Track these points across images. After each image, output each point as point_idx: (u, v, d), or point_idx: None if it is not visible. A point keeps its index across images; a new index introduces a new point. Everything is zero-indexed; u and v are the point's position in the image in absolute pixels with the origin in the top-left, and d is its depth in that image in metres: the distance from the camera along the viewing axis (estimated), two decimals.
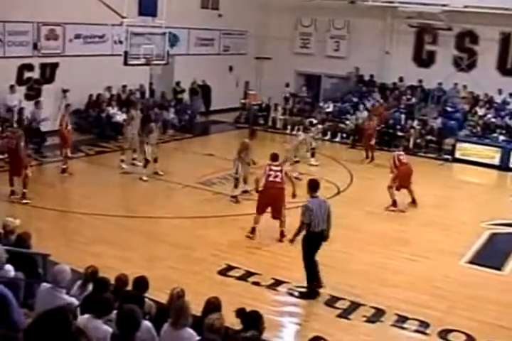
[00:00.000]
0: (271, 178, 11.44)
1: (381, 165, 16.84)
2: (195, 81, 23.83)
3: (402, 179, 13.80)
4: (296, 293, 9.31)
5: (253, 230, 11.47)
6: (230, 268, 9.99)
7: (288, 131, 22.68)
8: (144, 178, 14.97)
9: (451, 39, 22.64)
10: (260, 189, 11.58)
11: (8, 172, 13.08)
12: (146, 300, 6.38)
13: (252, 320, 5.67)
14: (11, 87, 17.56)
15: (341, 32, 25.14)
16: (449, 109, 21.81)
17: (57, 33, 18.76)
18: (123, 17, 15.61)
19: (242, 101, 24.74)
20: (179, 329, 5.41)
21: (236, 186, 13.80)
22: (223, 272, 9.85)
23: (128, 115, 17.08)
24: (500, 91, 21.52)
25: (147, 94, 22.23)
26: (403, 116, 21.71)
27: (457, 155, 19.54)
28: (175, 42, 21.86)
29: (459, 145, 19.64)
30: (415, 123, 21.15)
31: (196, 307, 5.97)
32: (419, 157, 19.82)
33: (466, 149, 19.48)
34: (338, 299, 9.12)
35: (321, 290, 9.29)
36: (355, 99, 23.33)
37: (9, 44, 17.49)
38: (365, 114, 21.05)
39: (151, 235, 11.45)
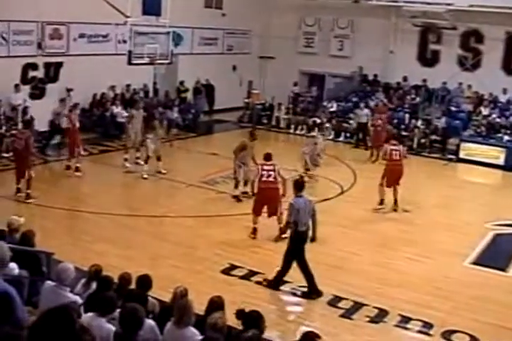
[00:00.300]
0: (264, 178, 11.47)
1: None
2: (199, 80, 23.83)
3: (388, 177, 13.53)
4: (299, 293, 9.30)
5: (254, 231, 11.48)
6: (234, 267, 9.99)
7: (291, 131, 22.72)
8: (145, 176, 14.98)
9: (455, 38, 22.59)
10: (255, 191, 11.69)
11: (14, 171, 13.08)
12: (150, 298, 6.38)
13: (253, 320, 5.67)
14: (16, 86, 17.58)
15: (345, 31, 25.12)
16: (453, 108, 21.78)
17: (61, 33, 18.78)
18: (127, 16, 15.60)
19: (246, 100, 24.76)
20: (182, 328, 5.41)
21: (236, 186, 13.78)
22: (226, 271, 9.86)
23: (128, 114, 17.10)
24: (504, 91, 21.48)
25: (151, 94, 22.25)
26: (407, 116, 21.69)
27: (461, 155, 19.51)
28: (179, 42, 21.87)
29: (463, 145, 19.61)
30: (419, 122, 21.12)
31: (199, 306, 5.97)
32: (423, 157, 19.86)
33: (470, 149, 19.45)
34: (341, 299, 9.11)
35: (324, 290, 9.28)
36: (354, 99, 23.35)
37: (14, 43, 17.52)
38: (365, 111, 21.00)
39: (154, 234, 11.45)
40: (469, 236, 12.21)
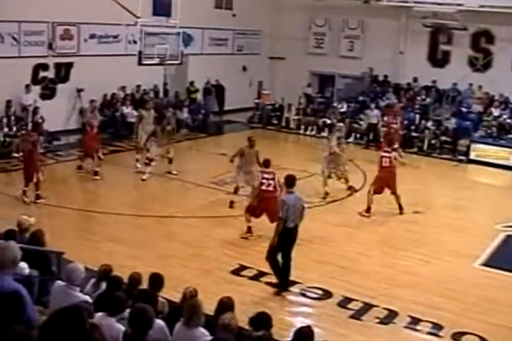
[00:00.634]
0: (264, 187, 11.41)
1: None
2: (209, 81, 23.86)
3: (377, 184, 13.23)
4: (309, 294, 9.28)
5: (249, 229, 11.49)
6: (243, 268, 9.99)
7: (302, 132, 22.71)
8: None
9: (466, 39, 22.50)
10: (252, 202, 11.68)
11: (22, 173, 13.04)
12: (160, 298, 6.39)
13: (262, 321, 5.67)
14: (27, 86, 17.69)
15: (355, 32, 25.08)
16: (463, 109, 21.69)
17: (72, 33, 18.86)
18: (137, 17, 15.64)
19: (256, 101, 24.77)
20: (192, 329, 5.42)
21: (235, 192, 13.59)
22: (236, 272, 9.86)
23: (138, 114, 17.14)
24: None
25: (161, 94, 22.29)
26: (417, 117, 21.63)
27: (472, 156, 19.42)
28: (189, 42, 21.89)
29: (473, 146, 19.52)
30: (429, 123, 21.04)
31: (209, 307, 5.97)
32: (433, 158, 19.80)
33: (481, 150, 19.36)
34: (351, 300, 9.09)
35: (334, 291, 9.27)
36: (362, 98, 23.37)
37: (25, 44, 17.62)
38: (376, 112, 20.93)
39: (163, 234, 11.48)
40: (479, 238, 12.15)
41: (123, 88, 20.48)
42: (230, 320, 5.34)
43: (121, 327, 5.20)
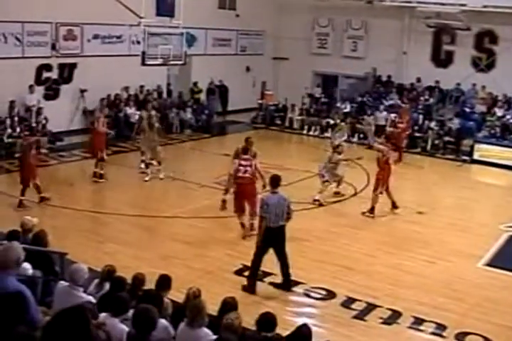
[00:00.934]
0: (240, 174, 11.41)
1: (398, 166, 16.84)
2: (213, 81, 23.88)
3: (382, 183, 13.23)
4: (313, 294, 9.27)
5: (243, 225, 11.52)
6: (246, 268, 9.96)
7: (305, 132, 22.70)
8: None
9: (469, 39, 22.44)
10: (233, 189, 11.60)
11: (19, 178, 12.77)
12: (164, 299, 6.39)
13: (268, 322, 5.68)
14: (30, 87, 17.72)
15: (359, 32, 25.05)
16: (467, 109, 21.65)
17: (75, 34, 18.90)
18: (141, 17, 15.66)
19: (259, 101, 24.78)
20: (195, 329, 5.42)
21: (225, 193, 13.04)
22: (239, 272, 9.85)
23: (139, 115, 17.12)
24: None
25: (165, 95, 22.31)
26: (421, 117, 21.60)
27: (475, 156, 19.39)
28: (192, 43, 21.93)
29: (477, 146, 19.49)
30: (433, 124, 21.01)
31: (212, 307, 5.97)
32: (437, 158, 19.78)
33: (484, 150, 19.34)
34: (355, 300, 9.08)
35: (337, 292, 9.27)
36: (359, 99, 23.41)
37: (28, 44, 17.65)
38: (384, 114, 20.91)
39: (167, 234, 11.48)
40: (483, 238, 12.13)
41: (126, 88, 20.50)
42: (234, 320, 5.35)
43: (125, 328, 5.20)
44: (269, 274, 9.72)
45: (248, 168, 11.43)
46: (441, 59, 23.42)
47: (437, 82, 22.83)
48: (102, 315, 5.35)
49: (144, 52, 16.17)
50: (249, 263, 10.04)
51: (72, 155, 16.94)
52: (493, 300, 9.33)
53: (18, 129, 16.60)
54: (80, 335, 3.25)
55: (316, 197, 13.81)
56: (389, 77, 24.15)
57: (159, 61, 16.57)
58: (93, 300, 5.82)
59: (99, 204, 13.22)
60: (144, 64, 16.37)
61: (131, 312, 5.33)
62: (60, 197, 13.06)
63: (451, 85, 22.50)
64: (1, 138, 16.34)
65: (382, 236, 12.03)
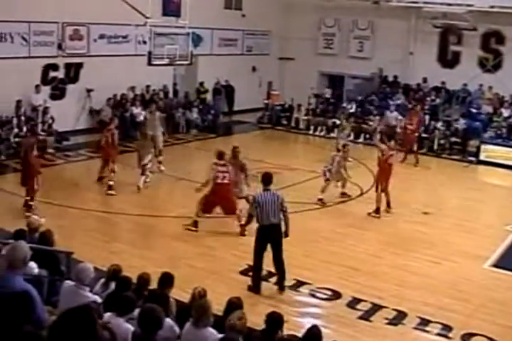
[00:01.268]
0: (219, 180, 11.38)
1: (404, 167, 16.85)
2: (219, 81, 23.89)
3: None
4: (318, 295, 9.27)
5: (195, 223, 11.53)
6: (251, 268, 9.95)
7: (311, 132, 22.68)
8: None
9: (476, 39, 22.39)
10: (206, 193, 11.55)
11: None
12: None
13: (276, 321, 5.69)
14: (36, 86, 17.77)
15: (365, 32, 25.02)
16: (473, 110, 21.59)
17: (81, 33, 18.95)
18: (147, 17, 15.67)
19: (265, 101, 24.77)
20: (201, 329, 5.43)
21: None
22: (245, 272, 9.85)
23: (143, 115, 17.12)
24: None
25: (171, 95, 22.33)
26: (427, 118, 21.55)
27: (482, 157, 19.34)
28: (198, 43, 21.94)
29: (483, 147, 19.44)
30: (439, 124, 20.96)
31: (218, 307, 5.97)
32: (443, 159, 19.73)
33: (491, 151, 19.28)
34: (360, 301, 9.07)
35: (343, 292, 9.26)
36: (359, 98, 23.40)
37: (34, 44, 17.71)
38: (395, 114, 20.84)
39: (172, 234, 11.49)
40: (489, 239, 12.10)
41: (132, 88, 20.53)
42: (238, 320, 5.35)
43: (130, 327, 5.21)
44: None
45: (226, 174, 11.40)
46: (448, 59, 23.37)
47: (443, 82, 22.78)
48: (107, 314, 5.36)
49: (150, 52, 16.19)
50: None
51: (78, 154, 16.98)
52: (499, 301, 9.31)
53: (24, 129, 16.65)
54: (86, 335, 3.26)
55: (320, 196, 13.80)
56: (395, 77, 24.11)
57: (165, 61, 16.59)
58: (99, 299, 5.83)
59: (105, 204, 13.23)
60: (150, 64, 16.39)
61: (136, 311, 5.34)
62: (66, 197, 13.09)
63: (457, 86, 22.44)
64: (8, 138, 16.37)
65: (388, 236, 12.02)
